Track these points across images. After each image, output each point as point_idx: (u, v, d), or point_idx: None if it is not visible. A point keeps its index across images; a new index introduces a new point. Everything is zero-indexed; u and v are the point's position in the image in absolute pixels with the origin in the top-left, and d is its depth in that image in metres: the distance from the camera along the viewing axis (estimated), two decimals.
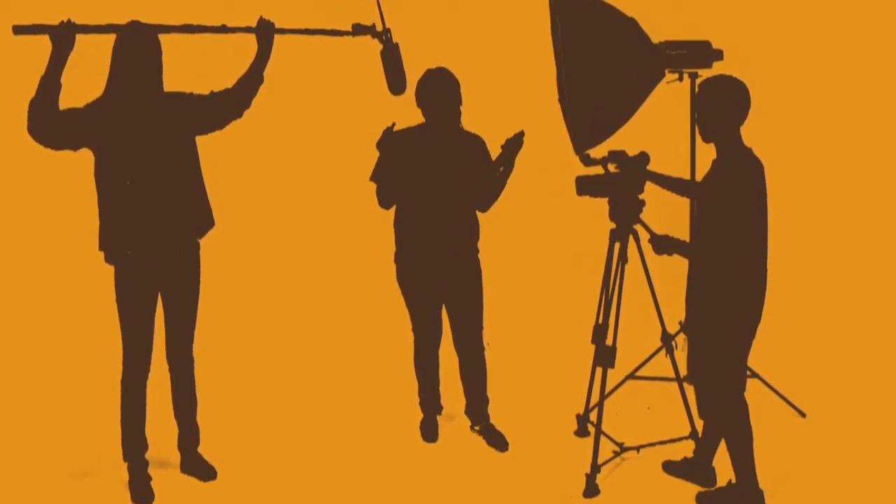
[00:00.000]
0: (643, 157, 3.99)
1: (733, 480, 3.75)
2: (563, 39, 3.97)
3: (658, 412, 4.57)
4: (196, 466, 4.12)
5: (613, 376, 4.41)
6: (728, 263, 3.50)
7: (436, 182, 4.16)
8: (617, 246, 4.10)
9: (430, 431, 4.49)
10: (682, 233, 4.60)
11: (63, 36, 3.51)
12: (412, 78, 4.07)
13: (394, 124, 4.10)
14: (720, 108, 3.52)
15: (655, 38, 4.19)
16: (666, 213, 4.52)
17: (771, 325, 3.76)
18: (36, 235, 5.96)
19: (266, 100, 3.96)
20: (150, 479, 3.99)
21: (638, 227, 4.07)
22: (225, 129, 3.92)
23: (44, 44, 3.54)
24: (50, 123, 3.55)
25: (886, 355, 5.24)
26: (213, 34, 3.83)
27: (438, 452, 4.37)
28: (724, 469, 3.86)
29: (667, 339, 4.19)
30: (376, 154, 4.15)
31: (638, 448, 4.16)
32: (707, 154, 3.75)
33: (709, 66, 4.52)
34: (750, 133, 3.62)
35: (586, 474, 3.95)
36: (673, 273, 4.38)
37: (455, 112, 4.15)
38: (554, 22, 4.15)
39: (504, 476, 4.11)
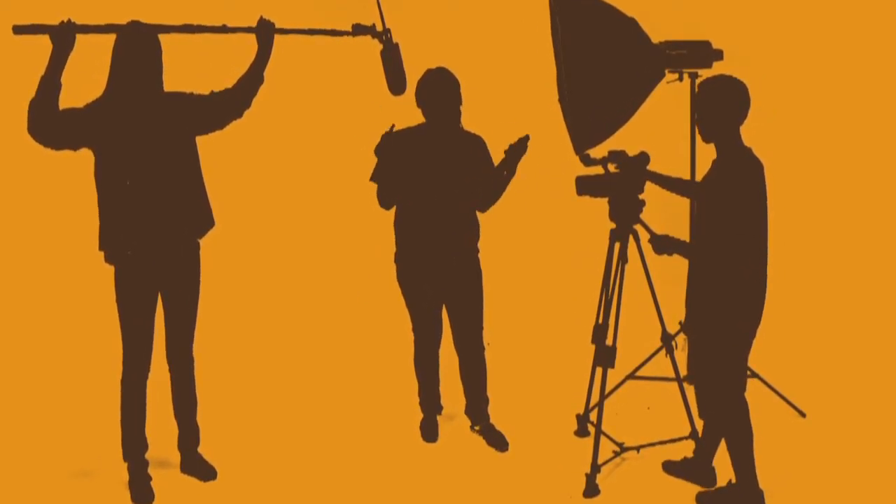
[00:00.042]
0: (643, 157, 3.99)
1: (733, 480, 3.75)
2: (563, 39, 3.97)
3: (658, 412, 4.57)
4: (196, 466, 4.12)
5: (613, 376, 4.41)
6: (728, 263, 3.50)
7: (436, 182, 4.16)
8: (617, 246, 4.10)
9: (430, 431, 4.49)
10: (682, 233, 4.60)
11: (63, 36, 3.51)
12: (412, 78, 4.07)
13: (392, 128, 4.10)
14: (720, 108, 3.52)
15: (655, 38, 4.19)
16: (666, 213, 4.52)
17: (771, 325, 3.76)
18: (36, 235, 5.96)
19: (266, 100, 3.96)
20: (150, 479, 3.99)
21: (638, 227, 4.07)
22: (225, 129, 3.92)
23: (44, 44, 3.54)
24: (50, 123, 3.55)
25: (886, 355, 5.25)
26: (213, 34, 3.83)
27: (438, 452, 4.37)
28: (724, 469, 3.86)
29: (667, 339, 4.19)
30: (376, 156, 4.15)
31: (638, 448, 4.16)
32: (707, 154, 3.75)
33: (709, 66, 4.52)
34: (750, 133, 3.62)
35: (586, 474, 3.95)
36: (673, 273, 4.38)
37: (455, 112, 4.15)
38: (554, 22, 4.15)
39: (504, 476, 4.11)
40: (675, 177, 4.06)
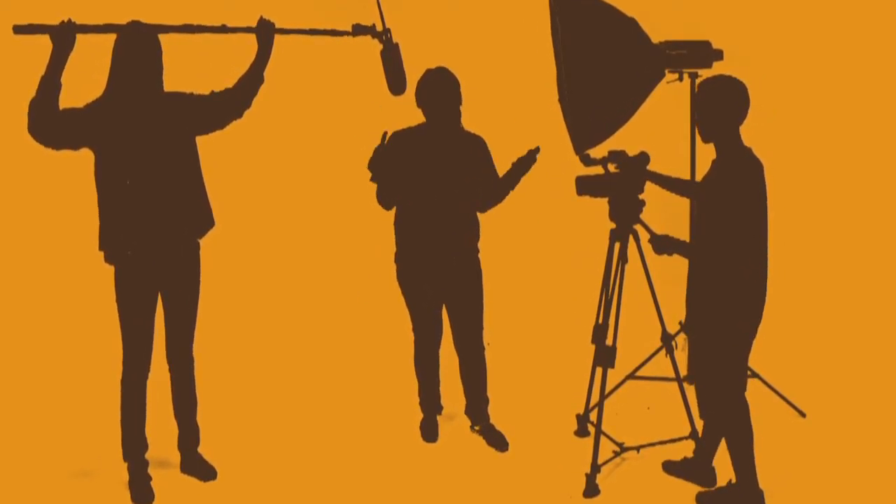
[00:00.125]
0: (643, 157, 3.99)
1: (733, 480, 3.75)
2: (563, 39, 3.97)
3: (658, 412, 4.57)
4: (196, 466, 4.12)
5: (613, 376, 4.41)
6: (728, 263, 3.50)
7: (436, 182, 4.16)
8: (617, 246, 4.10)
9: (430, 431, 4.49)
10: (682, 233, 4.60)
11: (63, 36, 3.51)
12: (412, 78, 4.07)
13: (384, 139, 4.08)
14: (719, 108, 3.52)
15: (655, 38, 4.19)
16: (666, 213, 4.52)
17: (771, 325, 3.76)
18: (36, 235, 5.96)
19: (266, 100, 3.96)
20: (150, 479, 3.99)
21: (638, 227, 4.07)
22: (225, 129, 3.92)
23: (44, 44, 3.54)
24: (50, 123, 3.55)
25: (886, 355, 5.25)
26: (213, 34, 3.83)
27: (438, 452, 4.37)
28: (724, 469, 3.86)
29: (667, 339, 4.19)
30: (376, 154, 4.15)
31: (638, 448, 4.16)
32: (707, 154, 3.75)
33: (709, 66, 4.52)
34: (750, 133, 3.62)
35: (586, 474, 3.95)
36: (673, 273, 4.38)
37: (455, 112, 4.15)
38: (554, 22, 4.15)
39: (504, 476, 4.11)
40: (675, 177, 4.06)
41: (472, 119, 4.26)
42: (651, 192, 4.03)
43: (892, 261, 6.10)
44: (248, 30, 3.87)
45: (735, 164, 3.52)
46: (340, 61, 5.68)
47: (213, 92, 3.87)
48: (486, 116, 4.65)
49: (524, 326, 5.70)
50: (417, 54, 4.28)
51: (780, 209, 3.97)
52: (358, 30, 3.99)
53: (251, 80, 3.88)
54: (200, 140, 3.90)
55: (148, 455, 4.00)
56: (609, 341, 4.08)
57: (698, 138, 3.67)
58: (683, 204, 4.56)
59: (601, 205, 4.10)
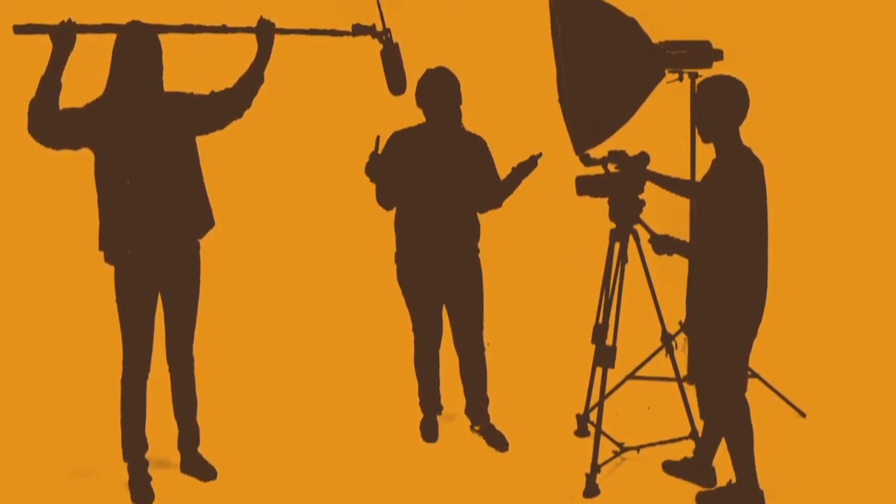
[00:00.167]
0: (643, 157, 3.99)
1: (733, 480, 3.75)
2: (563, 39, 3.97)
3: (658, 412, 4.57)
4: (196, 466, 4.12)
5: (613, 376, 4.41)
6: (728, 263, 3.50)
7: (436, 182, 4.16)
8: (617, 246, 4.10)
9: (430, 431, 4.49)
10: (682, 233, 4.60)
11: (63, 36, 3.51)
12: (412, 78, 4.07)
13: (377, 145, 4.08)
14: (719, 108, 3.52)
15: (655, 38, 4.19)
16: (666, 213, 4.52)
17: (771, 325, 3.76)
18: (36, 235, 5.96)
19: (266, 100, 3.96)
20: (150, 479, 3.99)
21: (638, 227, 4.07)
22: (225, 129, 3.92)
23: (44, 44, 3.54)
24: (50, 123, 3.55)
25: (886, 355, 5.25)
26: (213, 34, 3.83)
27: (438, 452, 4.37)
28: (724, 469, 3.86)
29: (667, 339, 4.19)
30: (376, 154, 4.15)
31: (638, 448, 4.16)
32: (707, 154, 3.75)
33: (709, 66, 4.52)
34: (750, 133, 3.62)
35: (586, 474, 3.95)
36: (673, 273, 4.38)
37: (455, 112, 4.15)
38: (554, 22, 4.15)
39: (504, 476, 4.11)
40: (675, 177, 4.06)
41: (472, 119, 4.26)
42: (651, 192, 4.03)
43: (892, 261, 6.10)
44: (248, 30, 3.87)
45: (735, 164, 3.52)
46: (340, 61, 5.68)
47: (213, 92, 3.87)
48: (486, 116, 4.65)
49: (524, 326, 5.70)
50: (417, 54, 4.28)
51: (780, 209, 3.97)
52: (358, 30, 3.99)
53: (251, 80, 3.88)
54: (200, 140, 3.90)
55: (148, 455, 4.00)
56: (609, 341, 4.08)
57: (698, 138, 3.67)
58: (683, 204, 4.56)
59: (601, 205, 4.10)
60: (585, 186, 4.00)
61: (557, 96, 4.22)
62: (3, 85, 5.47)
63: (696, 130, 3.66)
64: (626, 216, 4.04)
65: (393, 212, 4.28)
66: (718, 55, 4.55)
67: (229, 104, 3.87)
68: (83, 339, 5.39)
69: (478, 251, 4.33)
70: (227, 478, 4.10)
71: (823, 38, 6.18)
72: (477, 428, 4.48)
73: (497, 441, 4.38)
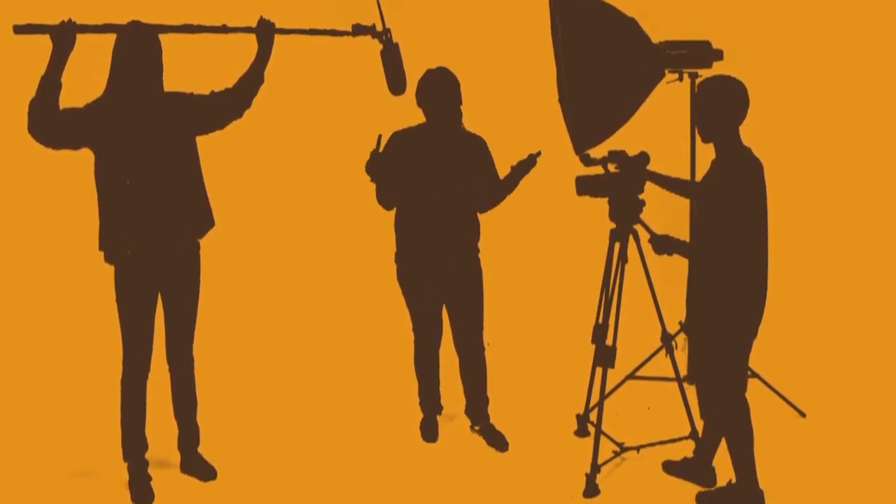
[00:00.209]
0: (643, 157, 3.99)
1: (733, 480, 3.75)
2: (563, 39, 3.97)
3: (658, 412, 4.57)
4: (196, 466, 4.12)
5: (613, 376, 4.41)
6: (728, 263, 3.50)
7: (437, 182, 4.16)
8: (617, 246, 4.10)
9: (430, 431, 4.49)
10: (682, 233, 4.60)
11: (64, 36, 3.51)
12: (412, 78, 4.07)
13: (379, 143, 4.08)
14: (719, 108, 3.52)
15: (655, 38, 4.19)
16: (666, 213, 4.52)
17: (771, 325, 3.76)
18: (36, 235, 5.96)
19: (266, 100, 3.96)
20: (150, 479, 3.99)
21: (638, 227, 4.07)
22: (225, 129, 3.92)
23: (44, 44, 3.54)
24: (50, 123, 3.55)
25: (886, 355, 5.25)
26: (213, 34, 3.83)
27: (438, 452, 4.37)
28: (724, 469, 3.86)
29: (667, 339, 4.19)
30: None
31: (638, 448, 4.16)
32: (707, 154, 3.75)
33: (709, 66, 4.53)
34: (750, 133, 3.62)
35: (586, 474, 3.95)
36: (673, 273, 4.38)
37: (456, 112, 4.15)
38: (554, 22, 4.15)
39: (504, 476, 4.11)
40: (675, 177, 4.06)
41: (472, 119, 4.26)
42: (651, 192, 4.03)
43: (892, 261, 6.10)
44: (248, 30, 3.87)
45: (735, 164, 3.52)
46: (340, 61, 5.68)
47: (213, 92, 3.87)
48: (487, 116, 4.65)
49: (524, 326, 5.70)
50: (417, 54, 4.28)
51: (780, 209, 3.97)
52: (358, 30, 4.00)
53: (251, 80, 3.88)
54: (200, 140, 3.90)
55: (148, 455, 4.00)
56: (609, 341, 4.08)
57: (698, 138, 3.67)
58: (683, 204, 4.56)
59: (601, 205, 4.10)
60: (585, 186, 4.00)
61: (557, 96, 4.22)
62: (3, 85, 5.47)
63: (696, 130, 3.66)
64: (626, 216, 4.04)
65: (393, 212, 4.28)
66: (718, 55, 4.55)
67: (229, 104, 3.87)
68: (83, 339, 5.39)
69: (478, 251, 4.33)
70: (227, 478, 4.10)
71: (823, 38, 6.17)
72: (477, 428, 4.48)
73: (497, 441, 4.38)
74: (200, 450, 4.16)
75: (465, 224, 4.26)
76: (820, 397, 4.70)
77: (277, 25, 3.89)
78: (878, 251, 6.13)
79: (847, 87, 6.20)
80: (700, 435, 4.03)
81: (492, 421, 4.46)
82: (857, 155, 6.23)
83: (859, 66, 6.21)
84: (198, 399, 4.12)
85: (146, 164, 3.72)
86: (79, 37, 3.54)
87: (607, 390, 4.28)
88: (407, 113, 4.25)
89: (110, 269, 3.84)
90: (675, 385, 4.24)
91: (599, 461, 3.97)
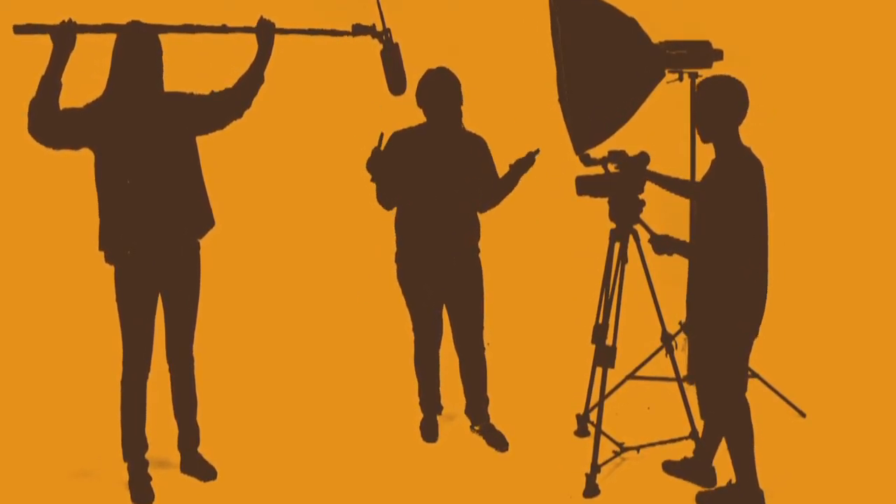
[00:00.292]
0: (643, 157, 3.99)
1: (733, 480, 3.75)
2: (563, 39, 3.97)
3: (658, 412, 4.57)
4: (196, 466, 4.12)
5: (613, 376, 4.41)
6: (728, 263, 3.50)
7: (437, 182, 4.16)
8: (617, 246, 4.10)
9: (430, 431, 4.49)
10: (682, 233, 4.60)
11: (64, 36, 3.51)
12: (412, 78, 4.07)
13: (381, 141, 4.08)
14: (718, 108, 3.52)
15: (655, 38, 4.19)
16: (666, 213, 4.52)
17: (771, 325, 3.76)
18: (36, 235, 5.96)
19: (266, 100, 3.96)
20: (150, 479, 3.99)
21: (638, 227, 4.07)
22: (225, 129, 3.92)
23: (44, 44, 3.54)
24: (50, 123, 3.55)
25: (886, 355, 5.25)
26: (213, 34, 3.83)
27: (438, 452, 4.37)
28: (724, 469, 3.86)
29: (667, 339, 4.19)
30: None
31: (638, 448, 4.16)
32: (707, 154, 3.75)
33: (709, 66, 4.52)
34: (750, 133, 3.62)
35: (586, 474, 3.95)
36: (673, 273, 4.39)
37: (456, 112, 4.15)
38: (554, 22, 4.15)
39: (504, 476, 4.11)
40: (675, 177, 4.06)
41: (472, 119, 4.26)
42: (651, 192, 4.03)
43: (892, 261, 6.10)
44: (248, 30, 3.87)
45: (734, 163, 3.52)
46: (340, 61, 5.68)
47: (213, 92, 3.87)
48: (487, 116, 4.65)
49: (524, 326, 5.70)
50: (417, 54, 4.28)
51: (780, 209, 3.97)
52: (358, 30, 4.00)
53: (251, 80, 3.88)
54: (200, 140, 3.90)
55: (148, 455, 4.00)
56: (609, 341, 4.08)
57: (698, 138, 3.67)
58: (683, 204, 4.56)
59: (601, 205, 4.10)
60: (585, 186, 4.00)
61: (557, 96, 4.22)
62: (3, 85, 5.47)
63: (696, 130, 3.66)
64: (626, 216, 4.04)
65: (393, 212, 4.28)
66: (718, 55, 4.55)
67: (229, 104, 3.87)
68: (83, 339, 5.39)
69: (478, 251, 4.33)
70: (227, 478, 4.10)
71: (823, 38, 6.18)
72: (477, 428, 4.48)
73: (497, 441, 4.38)
74: (200, 450, 4.16)
75: (466, 224, 4.26)
76: (820, 397, 4.70)
77: (277, 25, 3.89)
78: (878, 251, 6.13)
79: (847, 86, 6.20)
80: (700, 435, 4.03)
81: (492, 421, 4.46)
82: (856, 155, 6.23)
83: (859, 66, 6.21)
84: (198, 399, 4.12)
85: (146, 165, 3.72)
86: (79, 37, 3.54)
87: (607, 390, 4.28)
88: (407, 113, 4.25)
89: (110, 269, 3.84)
90: (675, 385, 4.24)
91: (599, 461, 3.97)
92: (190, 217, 3.87)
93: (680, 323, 4.76)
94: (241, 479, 4.10)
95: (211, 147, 3.99)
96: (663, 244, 3.69)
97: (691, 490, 3.91)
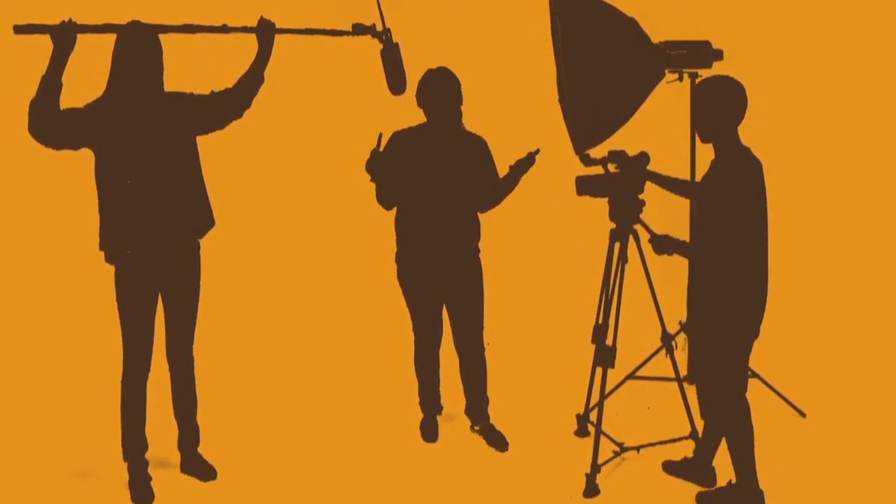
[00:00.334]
0: (643, 157, 4.00)
1: (733, 480, 3.75)
2: (563, 39, 3.97)
3: (658, 412, 4.57)
4: (196, 466, 4.12)
5: (613, 376, 4.41)
6: (728, 263, 3.50)
7: (437, 182, 4.16)
8: (617, 246, 4.10)
9: (430, 431, 4.49)
10: (682, 233, 4.60)
11: (64, 36, 3.51)
12: (412, 78, 4.07)
13: (379, 142, 4.08)
14: (717, 108, 3.52)
15: (655, 38, 4.19)
16: (666, 213, 4.52)
17: (771, 325, 3.76)
18: (36, 235, 5.96)
19: (266, 100, 3.96)
20: (150, 479, 3.99)
21: (638, 227, 4.07)
22: (225, 129, 3.92)
23: (44, 44, 3.54)
24: (50, 123, 3.55)
25: (886, 355, 5.25)
26: (213, 34, 3.83)
27: (438, 452, 4.37)
28: (724, 469, 3.86)
29: (667, 339, 4.19)
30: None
31: (638, 448, 4.16)
32: (707, 154, 3.75)
33: (709, 66, 4.52)
34: (749, 133, 3.62)
35: (586, 474, 3.95)
36: (673, 273, 4.39)
37: (456, 112, 4.15)
38: (554, 22, 4.15)
39: (504, 476, 4.11)
40: (675, 177, 4.06)
41: (472, 119, 4.26)
42: (651, 192, 4.03)
43: (892, 261, 6.10)
44: (248, 30, 3.87)
45: (734, 163, 3.52)
46: (340, 61, 5.68)
47: (213, 92, 3.87)
48: (487, 116, 4.65)
49: (524, 326, 5.70)
50: (417, 54, 4.28)
51: (780, 209, 3.97)
52: (358, 30, 3.99)
53: (251, 80, 3.88)
54: (200, 140, 3.90)
55: (148, 455, 4.00)
56: (609, 341, 4.08)
57: (698, 138, 3.67)
58: (683, 204, 4.57)
59: (601, 205, 4.10)
60: (585, 186, 4.00)
61: (557, 96, 4.22)
62: (3, 85, 5.47)
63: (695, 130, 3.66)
64: (626, 216, 4.04)
65: (393, 212, 4.28)
66: (718, 55, 4.55)
67: (229, 104, 3.87)
68: (83, 339, 5.39)
69: (478, 251, 4.33)
70: (227, 478, 4.10)
71: (823, 38, 6.18)
72: (477, 428, 4.48)
73: (497, 441, 4.38)
74: (200, 450, 4.16)
75: (466, 224, 4.26)
76: (820, 397, 4.70)
77: (277, 25, 3.89)
78: (877, 251, 6.13)
79: (847, 86, 6.20)
80: (700, 435, 4.03)
81: (492, 421, 4.46)
82: (856, 155, 6.23)
83: (859, 66, 6.21)
84: (198, 399, 4.12)
85: (146, 165, 3.72)
86: (79, 37, 3.54)
87: (607, 390, 4.28)
88: (407, 113, 4.25)
89: (111, 269, 3.84)
90: (675, 385, 4.24)
91: (599, 461, 3.97)
92: (190, 217, 3.87)
93: (680, 323, 4.76)
94: (241, 479, 4.10)
95: (211, 147, 3.99)
96: (663, 244, 3.69)
97: (691, 490, 3.91)
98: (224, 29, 3.83)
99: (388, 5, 4.06)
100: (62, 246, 5.72)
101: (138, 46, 3.63)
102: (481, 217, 4.32)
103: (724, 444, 3.80)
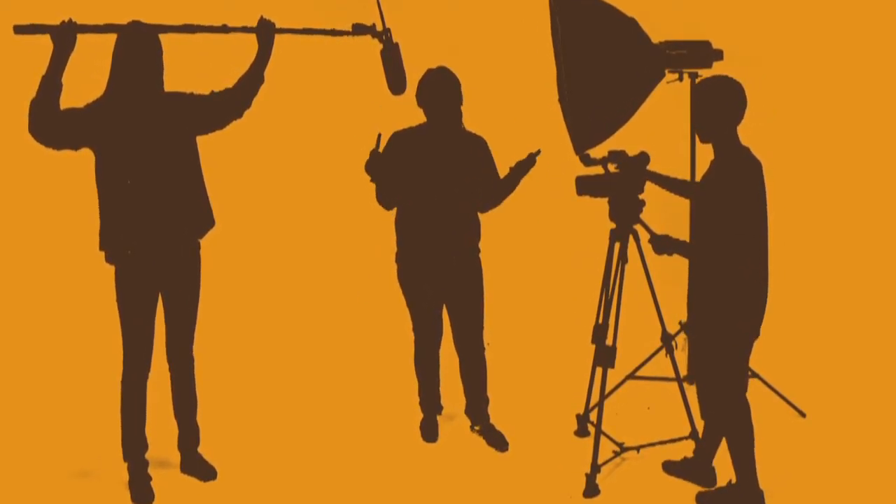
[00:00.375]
0: (643, 157, 4.00)
1: (733, 480, 3.75)
2: (563, 39, 3.97)
3: (658, 412, 4.57)
4: (196, 466, 4.12)
5: (613, 376, 4.41)
6: (728, 264, 3.50)
7: (437, 182, 4.16)
8: (617, 246, 4.10)
9: (430, 431, 4.49)
10: (682, 233, 4.59)
11: (64, 36, 3.52)
12: (412, 78, 4.07)
13: (378, 143, 4.08)
14: (716, 108, 3.52)
15: (655, 38, 4.19)
16: (666, 213, 4.52)
17: (771, 325, 3.76)
18: (36, 235, 5.96)
19: (266, 100, 3.96)
20: (150, 479, 3.99)
21: (638, 227, 4.07)
22: (225, 129, 3.92)
23: (44, 44, 3.54)
24: (51, 123, 3.55)
25: (886, 355, 5.25)
26: (213, 34, 3.83)
27: (438, 452, 4.37)
28: (724, 469, 3.86)
29: (667, 339, 4.19)
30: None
31: (638, 448, 4.16)
32: (707, 154, 3.75)
33: (709, 66, 4.52)
34: (750, 133, 3.62)
35: (586, 474, 3.95)
36: (673, 273, 4.38)
37: (456, 112, 4.15)
38: (554, 22, 4.15)
39: (504, 476, 4.11)
40: (675, 177, 4.06)
41: (472, 119, 4.26)
42: (651, 192, 4.03)
43: (892, 261, 6.11)
44: (248, 30, 3.87)
45: (733, 164, 3.52)
46: (340, 61, 5.68)
47: (213, 92, 3.87)
48: (487, 116, 4.66)
49: (524, 326, 5.70)
50: (417, 54, 4.28)
51: (779, 209, 3.97)
52: (358, 30, 4.00)
53: (251, 80, 3.88)
54: (200, 140, 3.90)
55: (148, 455, 4.00)
56: (609, 341, 4.08)
57: (698, 138, 3.67)
58: (683, 204, 4.56)
59: (601, 205, 4.10)
60: (585, 186, 4.00)
61: (557, 96, 4.22)
62: (3, 85, 5.47)
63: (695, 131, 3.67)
64: (626, 216, 4.04)
65: (393, 212, 4.28)
66: (718, 55, 4.55)
67: (229, 104, 3.87)
68: (83, 339, 5.39)
69: (478, 251, 4.33)
70: (227, 478, 4.10)
71: (823, 38, 6.18)
72: (477, 428, 4.48)
73: (497, 441, 4.38)
74: (200, 450, 4.16)
75: (466, 224, 4.26)
76: (820, 397, 4.70)
77: (277, 25, 3.89)
78: (877, 251, 6.13)
79: (847, 86, 6.21)
80: (700, 435, 4.03)
81: (492, 421, 4.46)
82: (856, 155, 6.24)
83: (859, 66, 6.21)
84: (198, 399, 4.12)
85: (146, 165, 3.72)
86: (79, 37, 3.54)
87: (607, 390, 4.28)
88: (407, 113, 4.25)
89: (111, 269, 3.84)
90: (675, 385, 4.24)
91: (599, 461, 3.97)
92: (190, 217, 3.87)
93: (680, 323, 4.76)
94: (241, 479, 4.10)
95: (211, 147, 3.99)
96: (663, 244, 3.69)
97: (691, 490, 3.91)
98: (224, 29, 3.83)
99: (388, 5, 4.06)
100: (62, 246, 5.73)
101: (138, 46, 3.63)
102: (481, 217, 4.32)
103: (724, 444, 3.80)
